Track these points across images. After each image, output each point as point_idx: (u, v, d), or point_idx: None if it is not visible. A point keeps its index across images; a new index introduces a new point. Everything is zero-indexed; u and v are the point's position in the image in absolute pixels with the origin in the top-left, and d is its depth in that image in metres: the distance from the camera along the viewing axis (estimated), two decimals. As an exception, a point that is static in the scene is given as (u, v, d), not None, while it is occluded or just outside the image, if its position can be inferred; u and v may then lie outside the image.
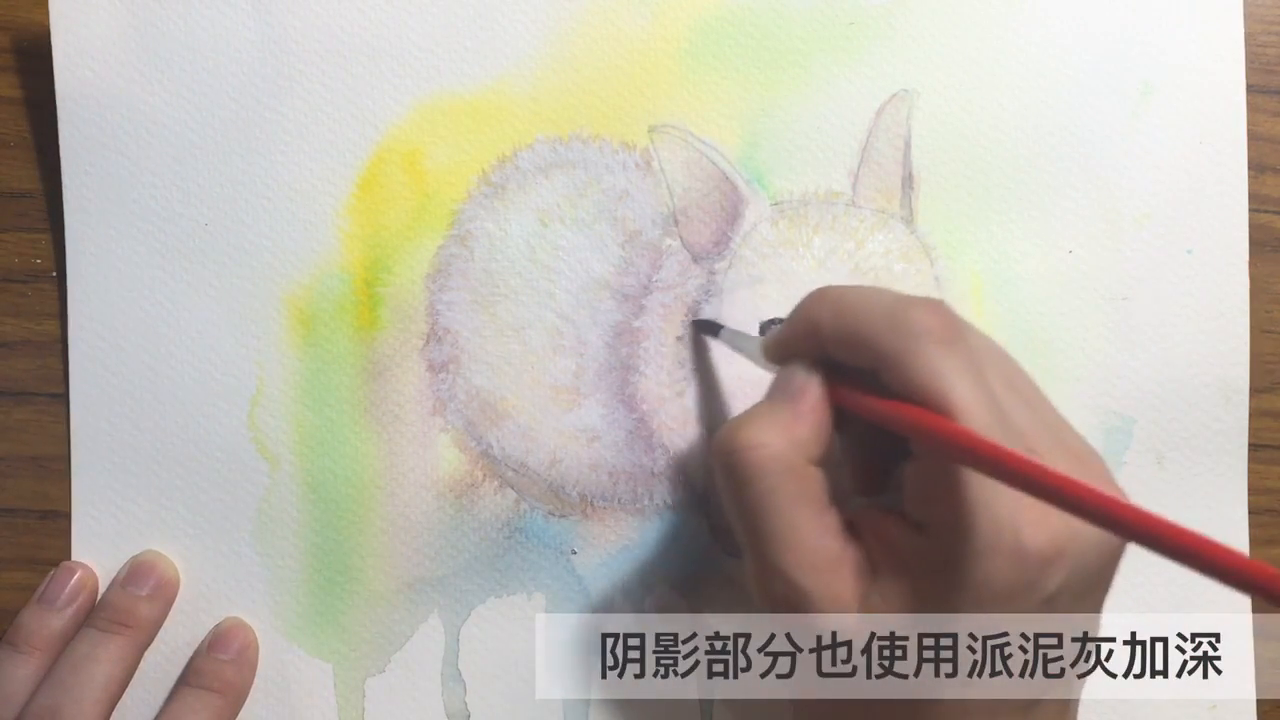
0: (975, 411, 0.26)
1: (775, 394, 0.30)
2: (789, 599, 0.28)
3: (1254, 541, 0.38)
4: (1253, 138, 0.38)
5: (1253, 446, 0.38)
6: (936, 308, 0.28)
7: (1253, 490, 0.38)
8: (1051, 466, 0.24)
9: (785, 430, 0.28)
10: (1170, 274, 0.38)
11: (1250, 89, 0.38)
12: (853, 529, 0.29)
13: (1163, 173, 0.38)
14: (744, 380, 0.37)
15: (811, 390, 0.29)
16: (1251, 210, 0.38)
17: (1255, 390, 0.38)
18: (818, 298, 0.30)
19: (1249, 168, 0.38)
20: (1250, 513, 0.38)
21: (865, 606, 0.27)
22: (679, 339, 0.37)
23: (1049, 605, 0.26)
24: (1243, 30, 0.38)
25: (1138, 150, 0.38)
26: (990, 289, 0.37)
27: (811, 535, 0.28)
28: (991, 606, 0.26)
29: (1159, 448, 0.37)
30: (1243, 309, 0.38)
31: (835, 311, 0.29)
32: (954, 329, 0.27)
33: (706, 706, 0.38)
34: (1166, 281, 0.38)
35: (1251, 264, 0.38)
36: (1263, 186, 0.38)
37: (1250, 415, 0.38)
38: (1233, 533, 0.38)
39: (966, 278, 0.37)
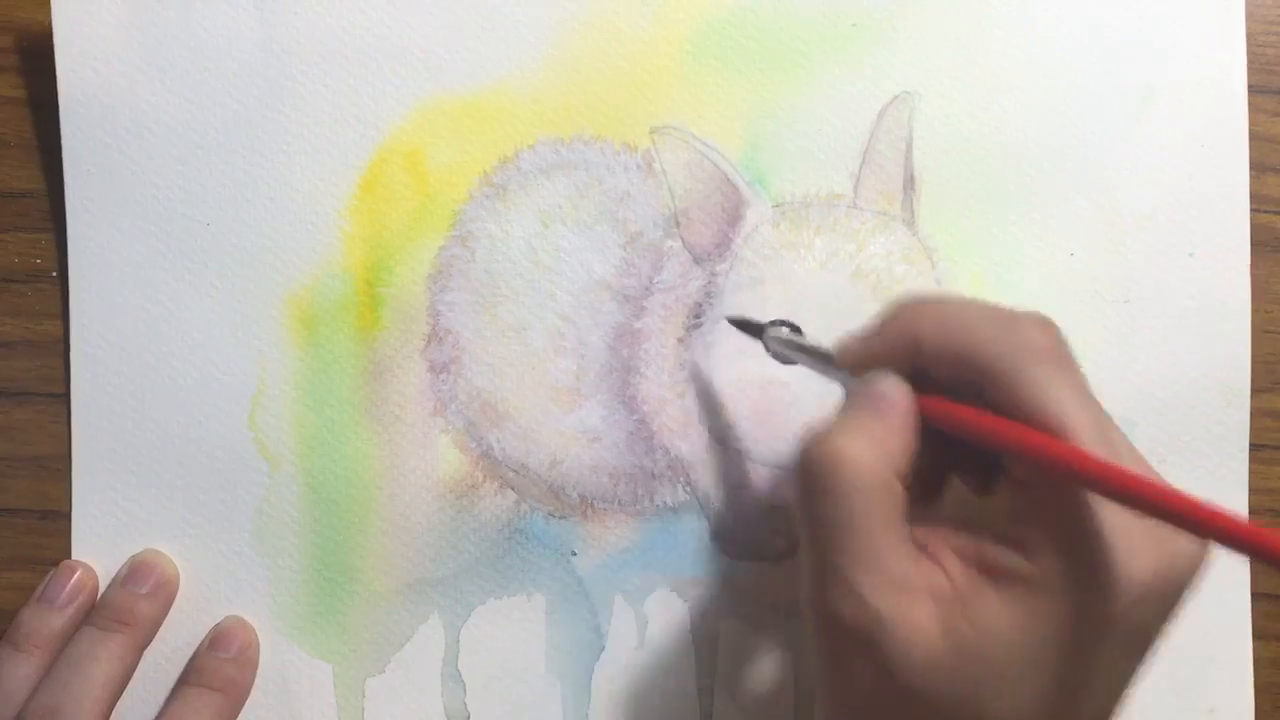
0: (1088, 434, 0.25)
1: (863, 404, 0.28)
2: (863, 622, 0.26)
3: (1254, 543, 0.38)
4: (1253, 138, 0.38)
5: (1253, 446, 0.38)
6: (1047, 326, 0.27)
7: (1253, 490, 0.38)
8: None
9: (878, 443, 0.27)
10: (1171, 276, 0.38)
11: (1250, 89, 0.38)
12: (923, 549, 0.28)
13: (1164, 175, 0.38)
14: (746, 382, 0.37)
15: (903, 403, 0.28)
16: (1252, 210, 0.38)
17: (1256, 390, 0.38)
18: (917, 310, 0.29)
19: (1249, 168, 0.38)
20: (1250, 513, 0.38)
21: (954, 631, 0.26)
22: (680, 340, 0.37)
23: (1137, 637, 0.26)
24: (1244, 32, 0.38)
25: (1139, 153, 0.38)
26: (991, 291, 0.37)
27: (894, 556, 0.26)
28: (1107, 635, 0.25)
29: (1160, 450, 0.37)
30: (1244, 312, 0.38)
31: (940, 325, 0.28)
32: (1064, 348, 0.27)
33: (706, 706, 0.38)
34: (1168, 284, 0.38)
35: (1252, 264, 0.38)
36: (1263, 186, 0.38)
37: (1250, 415, 0.38)
38: (1233, 535, 0.38)
39: (968, 280, 0.37)
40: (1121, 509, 0.25)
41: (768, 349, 0.35)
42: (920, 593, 0.26)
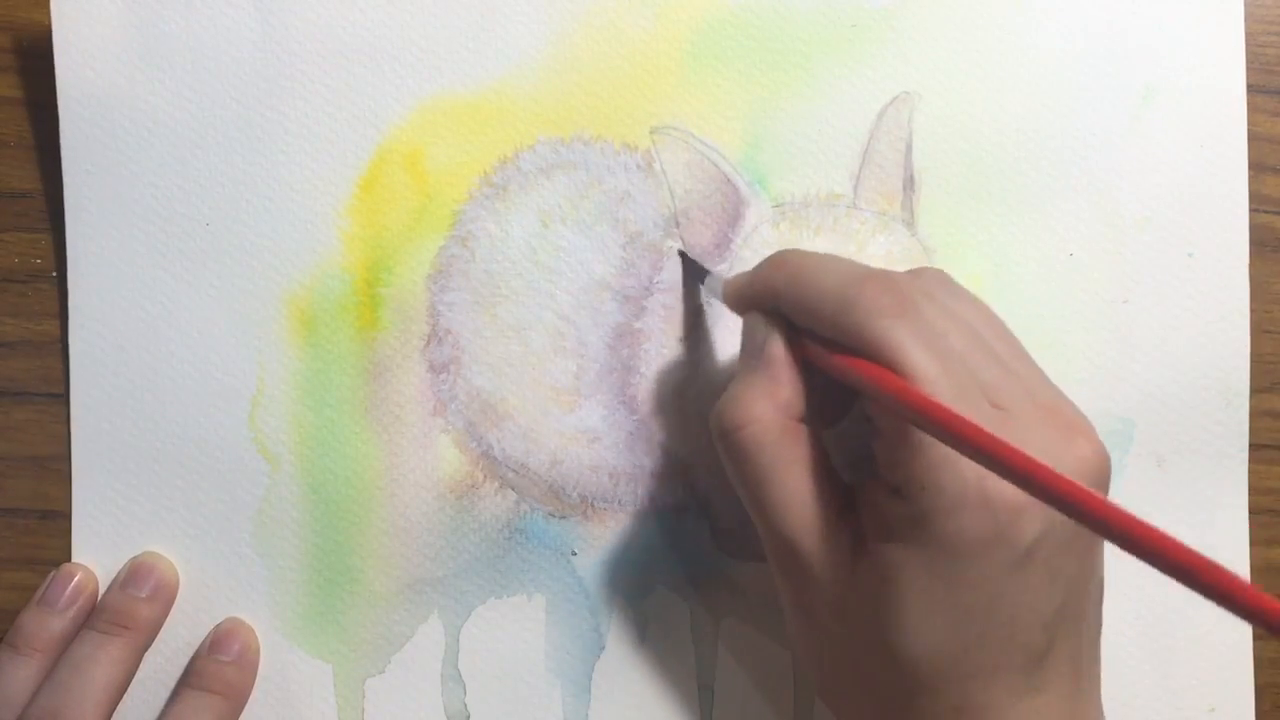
0: (926, 369, 0.26)
1: (746, 355, 0.31)
2: (794, 561, 0.29)
3: (1254, 541, 0.38)
4: (1252, 138, 0.38)
5: (1253, 446, 0.38)
6: (885, 281, 0.28)
7: (1253, 490, 0.38)
8: (1015, 424, 0.25)
9: (770, 399, 0.29)
10: (1171, 277, 0.38)
11: (1250, 89, 0.38)
12: (849, 496, 0.30)
13: (1163, 176, 0.38)
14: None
15: (776, 349, 0.30)
16: (1251, 210, 0.38)
17: (1255, 390, 0.38)
18: (777, 263, 0.31)
19: (1248, 168, 0.38)
20: (1250, 513, 0.38)
21: (855, 571, 0.28)
22: (681, 340, 0.37)
23: (1029, 556, 0.26)
24: (1244, 34, 0.38)
25: (1139, 153, 0.38)
26: (991, 291, 0.37)
27: (809, 498, 0.29)
28: (969, 559, 0.26)
29: (1159, 450, 0.38)
30: (1243, 312, 0.38)
31: (791, 281, 0.30)
32: (904, 301, 0.28)
33: (706, 706, 0.38)
34: (1167, 284, 0.38)
35: (1251, 264, 0.38)
36: (1263, 186, 0.38)
37: (1250, 415, 0.38)
38: (1233, 535, 0.38)
39: (967, 280, 0.37)
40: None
41: (706, 291, 0.36)
42: (839, 532, 0.29)
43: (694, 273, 0.37)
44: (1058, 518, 0.26)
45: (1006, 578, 0.26)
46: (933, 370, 0.26)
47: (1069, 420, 0.28)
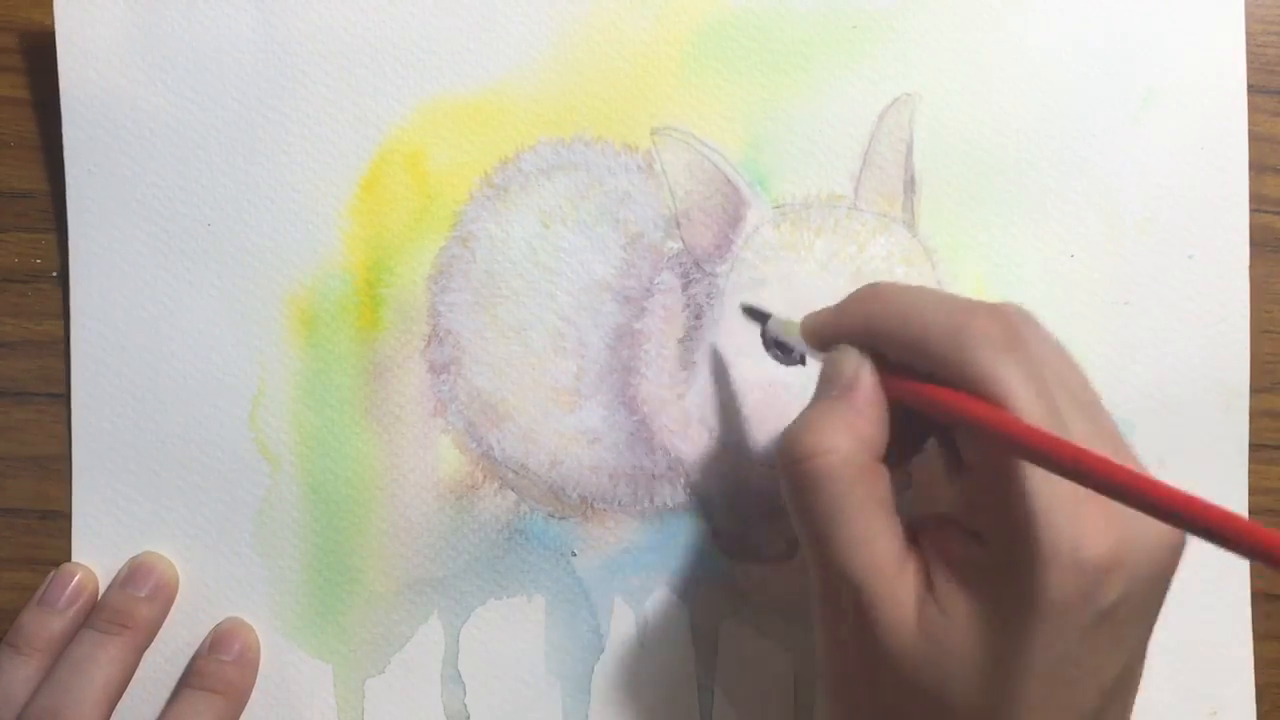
0: (1032, 410, 0.25)
1: (827, 387, 0.29)
2: (855, 603, 0.27)
3: (1253, 543, 0.38)
4: (1253, 138, 0.38)
5: (1253, 446, 0.38)
6: (997, 313, 0.27)
7: (1253, 490, 0.38)
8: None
9: (851, 430, 0.28)
10: (1171, 278, 0.38)
11: (1250, 89, 0.38)
12: (913, 535, 0.28)
13: (1164, 178, 0.38)
14: (746, 383, 0.37)
15: (865, 380, 0.29)
16: (1251, 210, 0.38)
17: (1255, 390, 0.38)
18: (873, 296, 0.30)
19: (1249, 168, 0.38)
20: (1250, 513, 0.38)
21: (924, 617, 0.27)
22: (680, 341, 0.37)
23: (1106, 619, 0.26)
24: (1244, 33, 0.38)
25: (1139, 155, 0.38)
26: (991, 292, 0.37)
27: (880, 538, 0.27)
28: (1051, 618, 0.25)
29: (1160, 452, 0.37)
30: (1243, 314, 0.38)
31: (892, 313, 0.28)
32: (1016, 336, 0.27)
33: (706, 706, 0.38)
34: (1167, 286, 0.38)
35: (1251, 264, 0.38)
36: (1263, 186, 0.38)
37: (1250, 415, 0.38)
38: (1232, 536, 0.38)
39: (968, 281, 0.37)
40: (1072, 488, 0.24)
41: (764, 338, 0.36)
42: (905, 577, 0.27)
43: (754, 316, 0.36)
44: (1138, 582, 0.26)
45: (1079, 640, 0.25)
46: (1035, 407, 0.26)
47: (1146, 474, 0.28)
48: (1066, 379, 0.28)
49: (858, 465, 0.27)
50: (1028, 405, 0.25)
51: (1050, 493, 0.25)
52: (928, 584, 0.27)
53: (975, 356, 0.26)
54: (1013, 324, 0.27)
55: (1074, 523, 0.25)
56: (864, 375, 0.29)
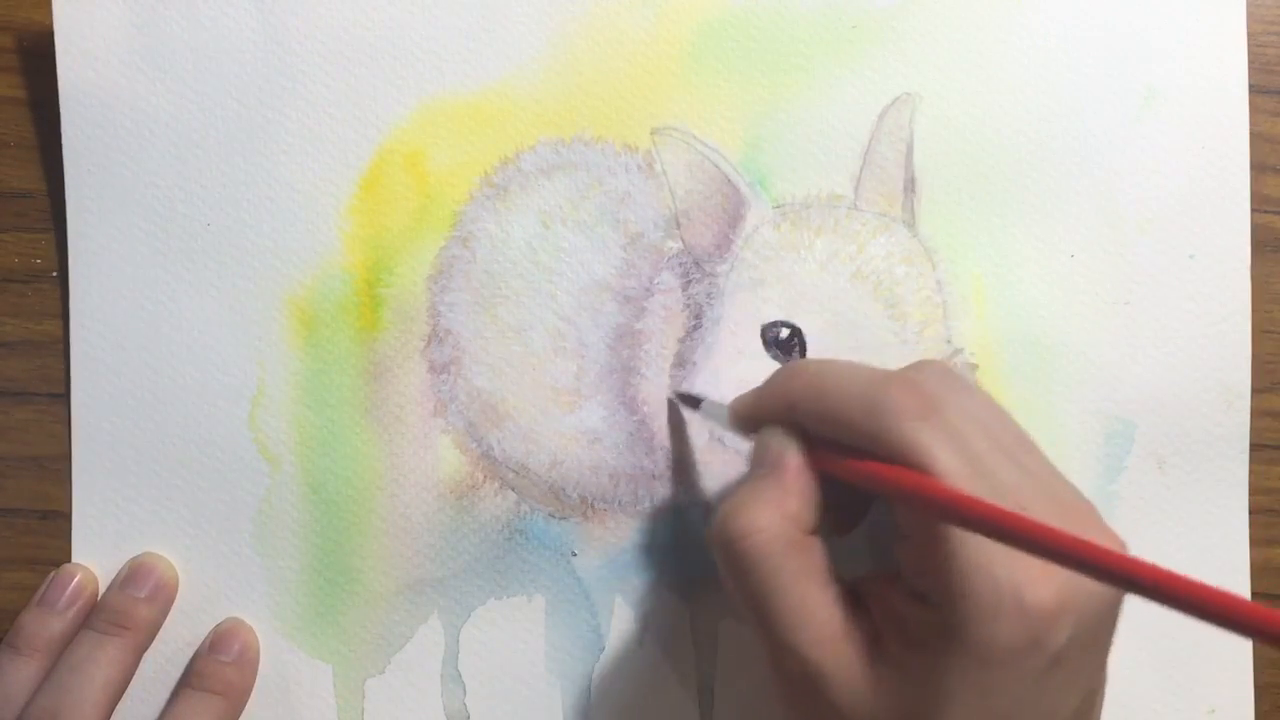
0: (955, 472, 0.26)
1: (757, 468, 0.30)
2: (802, 675, 0.28)
3: (1254, 541, 0.38)
4: (1253, 138, 0.38)
5: (1253, 446, 0.38)
6: (909, 384, 0.28)
7: (1253, 490, 0.38)
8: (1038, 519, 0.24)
9: (777, 507, 0.29)
10: (1172, 278, 0.38)
11: (1250, 89, 0.38)
12: (857, 600, 0.29)
13: (1165, 177, 0.38)
14: (746, 383, 0.37)
15: (792, 459, 0.29)
16: (1252, 210, 0.38)
17: (1256, 390, 0.38)
18: (790, 374, 0.31)
19: (1250, 168, 0.38)
20: (1250, 512, 0.38)
21: (876, 678, 0.27)
22: (680, 341, 0.37)
23: (1057, 662, 0.26)
24: (1245, 33, 0.38)
25: (1140, 155, 0.38)
26: (992, 293, 0.37)
27: (818, 609, 0.28)
28: (1000, 667, 0.26)
29: (1160, 452, 0.38)
30: (1244, 314, 0.38)
31: (809, 391, 0.29)
32: (929, 403, 0.27)
33: (706, 706, 0.38)
34: (1168, 286, 0.38)
35: (1252, 264, 0.38)
36: (1263, 186, 0.38)
37: (1251, 415, 0.38)
38: (1233, 537, 0.38)
39: (968, 281, 0.37)
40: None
41: (716, 422, 0.36)
42: (854, 642, 0.28)
43: (687, 403, 0.37)
44: (1086, 620, 0.26)
45: (1034, 683, 0.26)
46: (962, 471, 0.26)
47: (1084, 514, 0.28)
48: (990, 430, 0.28)
49: (787, 541, 0.28)
50: (949, 468, 0.26)
51: (986, 546, 0.26)
52: (877, 646, 0.28)
53: (891, 427, 0.27)
54: (925, 390, 0.28)
55: (1014, 572, 0.25)
56: (789, 453, 0.30)
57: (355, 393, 0.37)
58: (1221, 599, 0.21)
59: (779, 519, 0.28)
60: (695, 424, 0.37)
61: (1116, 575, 0.22)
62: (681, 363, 0.37)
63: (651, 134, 0.37)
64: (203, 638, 0.37)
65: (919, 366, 0.30)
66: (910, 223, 0.37)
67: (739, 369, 0.37)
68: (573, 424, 0.37)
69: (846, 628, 0.28)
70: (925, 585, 0.27)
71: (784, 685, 0.29)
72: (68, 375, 0.37)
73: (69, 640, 0.35)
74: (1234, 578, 0.38)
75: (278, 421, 0.37)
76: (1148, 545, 0.37)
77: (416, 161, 0.37)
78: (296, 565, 0.37)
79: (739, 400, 0.32)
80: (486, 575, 0.37)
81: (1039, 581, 0.25)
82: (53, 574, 0.36)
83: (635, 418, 0.37)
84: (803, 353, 0.37)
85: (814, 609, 0.28)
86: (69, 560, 0.37)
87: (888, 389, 0.28)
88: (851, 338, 0.37)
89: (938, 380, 0.29)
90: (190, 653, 0.37)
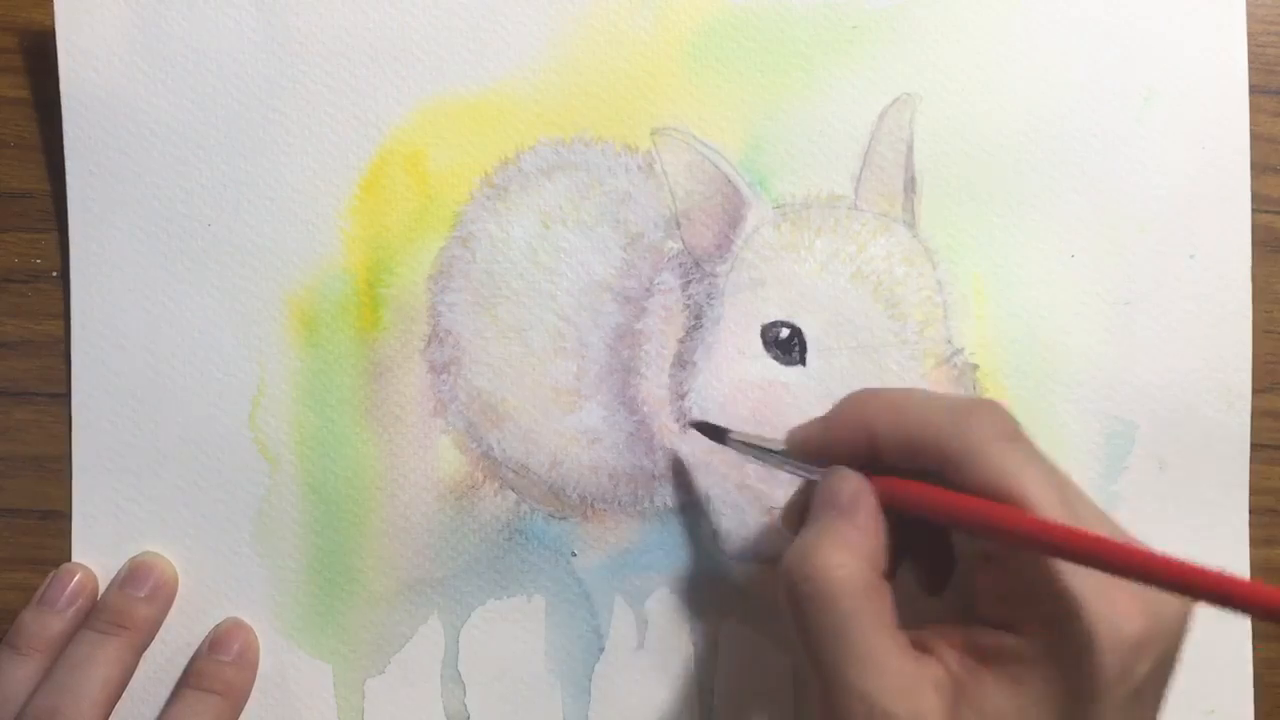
0: (1048, 502, 0.26)
1: (828, 508, 0.29)
2: None
3: (1254, 541, 0.38)
4: (1253, 138, 0.38)
5: (1253, 446, 0.38)
6: (996, 408, 0.28)
7: (1253, 490, 0.38)
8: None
9: (855, 549, 0.28)
10: (1172, 278, 0.38)
11: (1251, 89, 0.38)
12: (921, 647, 0.28)
13: (1165, 178, 0.38)
14: (746, 382, 0.37)
15: (867, 500, 0.29)
16: (1252, 210, 0.38)
17: (1256, 390, 0.38)
18: (866, 401, 0.30)
19: (1250, 168, 0.38)
20: (1251, 512, 0.38)
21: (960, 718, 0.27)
22: (680, 341, 0.37)
23: (1138, 694, 0.26)
24: (1245, 33, 0.38)
25: (1140, 155, 0.38)
26: (992, 293, 0.37)
27: (891, 656, 0.27)
28: (1095, 700, 0.25)
29: (1161, 452, 0.38)
30: (1245, 314, 0.38)
31: (892, 416, 0.29)
32: (1015, 427, 0.27)
33: (706, 706, 0.38)
34: (1169, 286, 0.38)
35: (1253, 264, 0.38)
36: (1263, 186, 0.38)
37: (1251, 415, 0.38)
38: (1233, 537, 0.38)
39: (968, 281, 0.37)
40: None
41: (746, 453, 0.35)
42: (927, 689, 0.27)
43: (709, 434, 0.36)
44: (1164, 654, 0.26)
45: (1118, 713, 0.26)
46: (1052, 499, 0.26)
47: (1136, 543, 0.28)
48: (1055, 464, 0.28)
49: (865, 583, 0.27)
50: (1043, 496, 0.26)
51: (1085, 576, 0.25)
52: (954, 692, 0.27)
53: (982, 449, 0.27)
54: (1008, 414, 0.28)
55: (1111, 605, 0.25)
56: (865, 495, 0.29)
57: (355, 393, 0.37)
58: None
59: (856, 560, 0.28)
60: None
61: (1211, 592, 0.23)
62: (681, 363, 0.37)
63: (651, 134, 0.37)
64: (202, 638, 0.37)
65: (990, 400, 0.29)
66: (910, 223, 0.37)
67: (739, 369, 0.37)
68: (573, 424, 0.37)
69: (918, 673, 0.27)
70: (1013, 614, 0.27)
71: None
72: (68, 375, 0.37)
73: (69, 639, 0.35)
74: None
75: (278, 421, 0.37)
76: (1148, 545, 0.37)
77: (416, 161, 0.37)
78: (296, 565, 0.37)
79: (800, 429, 0.31)
80: (486, 575, 0.37)
81: (1132, 614, 0.25)
82: (53, 574, 0.37)
83: (635, 418, 0.37)
84: (803, 352, 0.37)
85: (890, 655, 0.27)
86: (69, 560, 0.37)
87: (977, 410, 0.28)
88: (852, 338, 0.37)
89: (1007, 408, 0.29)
90: (190, 653, 0.37)
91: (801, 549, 0.28)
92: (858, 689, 0.27)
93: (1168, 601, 0.26)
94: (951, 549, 0.31)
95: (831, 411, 0.31)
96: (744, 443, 0.34)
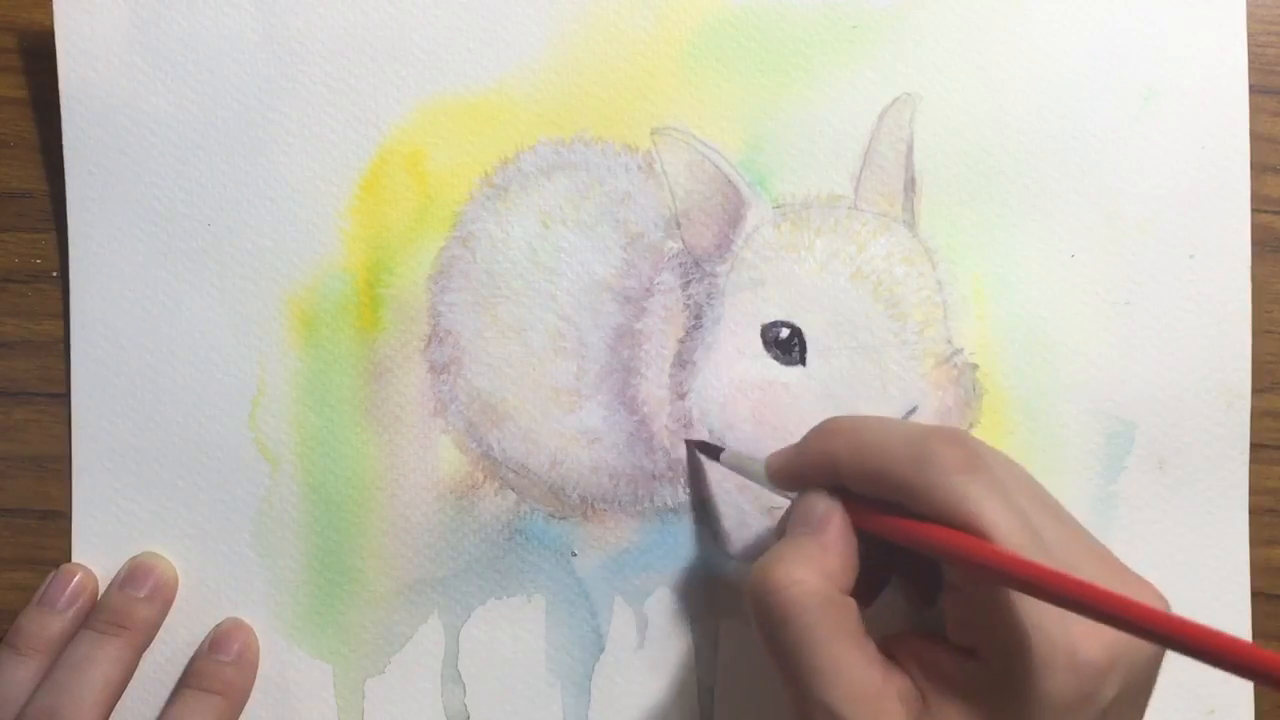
0: (1009, 532, 0.26)
1: (798, 526, 0.30)
2: None
3: (1254, 541, 0.38)
4: (1253, 138, 0.38)
5: (1253, 446, 0.38)
6: (956, 438, 0.28)
7: (1253, 490, 0.38)
8: (1092, 581, 0.24)
9: (817, 564, 0.29)
10: (1172, 278, 0.38)
11: (1251, 89, 0.38)
12: (891, 657, 0.29)
13: (1165, 177, 0.38)
14: (746, 383, 0.37)
15: (835, 520, 0.30)
16: (1252, 210, 0.38)
17: (1255, 390, 0.38)
18: (830, 431, 0.31)
19: (1249, 168, 0.38)
20: (1251, 512, 0.38)
21: None
22: (680, 341, 0.37)
23: (1106, 715, 0.26)
24: (1245, 33, 0.38)
25: (1140, 154, 0.38)
26: (992, 293, 0.37)
27: (855, 667, 0.28)
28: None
29: (1161, 452, 0.38)
30: (1244, 314, 0.38)
31: (853, 447, 0.29)
32: (976, 457, 0.28)
33: (706, 706, 0.38)
34: (1168, 286, 0.38)
35: (1253, 264, 0.38)
36: (1263, 186, 0.38)
37: (1251, 415, 0.38)
38: (1233, 537, 0.38)
39: (968, 281, 0.37)
40: None
41: (739, 472, 0.36)
42: (889, 700, 0.28)
43: (705, 452, 0.37)
44: (1133, 675, 0.26)
45: None
46: (1012, 528, 0.26)
47: (1123, 571, 0.28)
48: (1027, 488, 0.28)
49: (825, 597, 0.28)
50: (1002, 527, 0.26)
51: (1041, 603, 0.26)
52: (918, 703, 0.28)
53: (942, 483, 0.27)
54: (969, 445, 0.28)
55: (1067, 628, 0.26)
56: (834, 515, 0.30)
57: (355, 393, 0.37)
58: (1263, 658, 0.21)
59: (817, 575, 0.28)
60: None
61: (1171, 639, 0.23)
62: (681, 363, 0.37)
63: (651, 134, 0.37)
64: (202, 638, 0.37)
65: (952, 428, 0.30)
66: (910, 223, 0.37)
67: (739, 369, 0.37)
68: (573, 424, 0.37)
69: (883, 686, 0.28)
70: (974, 639, 0.27)
71: None
72: (68, 375, 0.37)
73: (69, 640, 0.35)
74: (1234, 578, 0.38)
75: (278, 421, 0.37)
76: (1148, 545, 0.37)
77: (416, 161, 0.37)
78: (296, 565, 0.37)
79: (776, 456, 0.32)
80: (486, 575, 0.37)
81: (1091, 638, 0.26)
82: (53, 574, 0.37)
83: (635, 418, 0.37)
84: (803, 353, 0.37)
85: (849, 666, 0.28)
86: (69, 560, 0.37)
87: (933, 443, 0.28)
88: (851, 338, 0.37)
89: (974, 438, 0.29)
90: (190, 653, 0.37)
91: (764, 564, 0.29)
92: (819, 699, 0.27)
93: None
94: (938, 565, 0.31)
95: (803, 440, 0.31)
96: (735, 462, 0.35)
